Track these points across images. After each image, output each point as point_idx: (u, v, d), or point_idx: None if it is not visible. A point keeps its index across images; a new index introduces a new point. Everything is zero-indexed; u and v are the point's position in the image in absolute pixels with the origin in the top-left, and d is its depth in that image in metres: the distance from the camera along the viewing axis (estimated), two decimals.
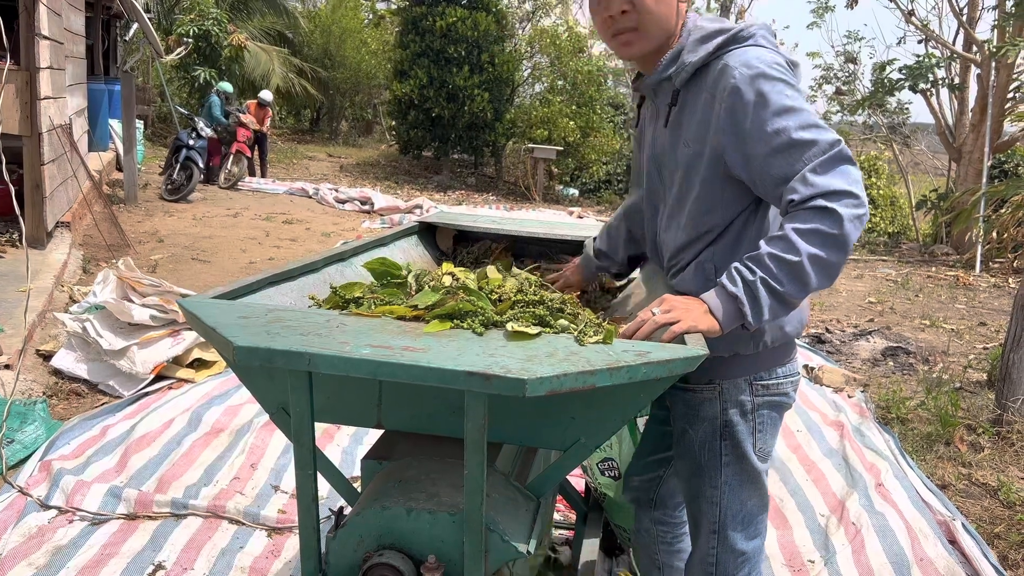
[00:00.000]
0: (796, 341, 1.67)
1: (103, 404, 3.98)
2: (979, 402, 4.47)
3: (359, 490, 1.62)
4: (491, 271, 1.62)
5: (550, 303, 1.46)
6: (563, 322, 1.43)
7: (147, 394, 4.09)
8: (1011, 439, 3.94)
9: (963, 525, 3.12)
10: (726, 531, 1.68)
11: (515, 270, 1.84)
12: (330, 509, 1.41)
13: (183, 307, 1.41)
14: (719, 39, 1.50)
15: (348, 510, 1.56)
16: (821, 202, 1.35)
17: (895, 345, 5.68)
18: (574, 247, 2.37)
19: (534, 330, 1.34)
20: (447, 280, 1.50)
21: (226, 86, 12.87)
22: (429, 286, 1.52)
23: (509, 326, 1.35)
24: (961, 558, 2.93)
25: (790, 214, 1.39)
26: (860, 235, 1.40)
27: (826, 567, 2.89)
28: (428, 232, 2.58)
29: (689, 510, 1.77)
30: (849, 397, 4.59)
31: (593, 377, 1.20)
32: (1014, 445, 3.90)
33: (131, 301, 4.36)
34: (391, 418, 1.45)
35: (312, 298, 1.60)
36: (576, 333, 1.36)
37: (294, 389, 1.23)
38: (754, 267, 1.39)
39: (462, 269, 1.62)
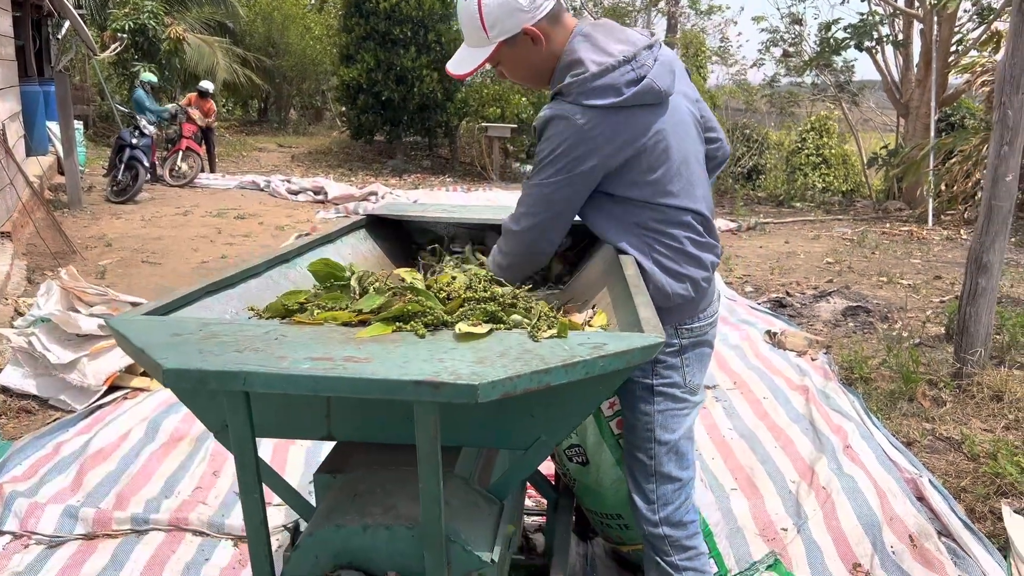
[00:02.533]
0: (711, 292, 1.94)
1: (55, 420, 3.85)
2: (939, 356, 4.53)
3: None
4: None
5: (501, 298, 1.40)
6: (516, 317, 1.38)
7: (101, 406, 3.96)
8: (971, 391, 3.99)
9: (930, 481, 3.15)
10: (661, 467, 1.89)
11: (465, 266, 1.77)
12: (284, 526, 1.34)
13: (111, 327, 1.32)
14: (555, 85, 1.78)
15: (304, 525, 1.50)
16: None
17: (855, 304, 5.73)
18: None
19: (484, 329, 1.28)
20: (393, 281, 1.43)
21: (149, 76, 12.26)
22: (374, 288, 1.45)
23: (458, 327, 1.29)
24: (930, 514, 2.96)
25: None
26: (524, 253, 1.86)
27: (799, 534, 2.90)
28: (377, 225, 2.50)
29: (628, 462, 1.97)
30: (812, 360, 4.62)
31: (548, 376, 1.14)
32: (975, 397, 3.95)
33: (78, 311, 4.21)
34: (341, 428, 1.38)
35: (252, 309, 1.52)
36: (529, 328, 1.31)
37: (231, 411, 1.15)
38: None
39: (409, 269, 1.55)
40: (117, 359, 4.11)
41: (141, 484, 3.25)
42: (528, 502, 2.98)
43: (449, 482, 1.28)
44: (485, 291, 1.42)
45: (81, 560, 2.77)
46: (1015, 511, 2.95)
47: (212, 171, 13.34)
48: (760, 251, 8.37)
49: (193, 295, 1.55)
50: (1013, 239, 8.18)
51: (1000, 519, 2.92)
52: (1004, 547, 2.77)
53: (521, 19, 1.75)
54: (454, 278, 1.54)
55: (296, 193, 11.53)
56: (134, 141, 10.32)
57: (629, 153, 1.74)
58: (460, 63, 1.84)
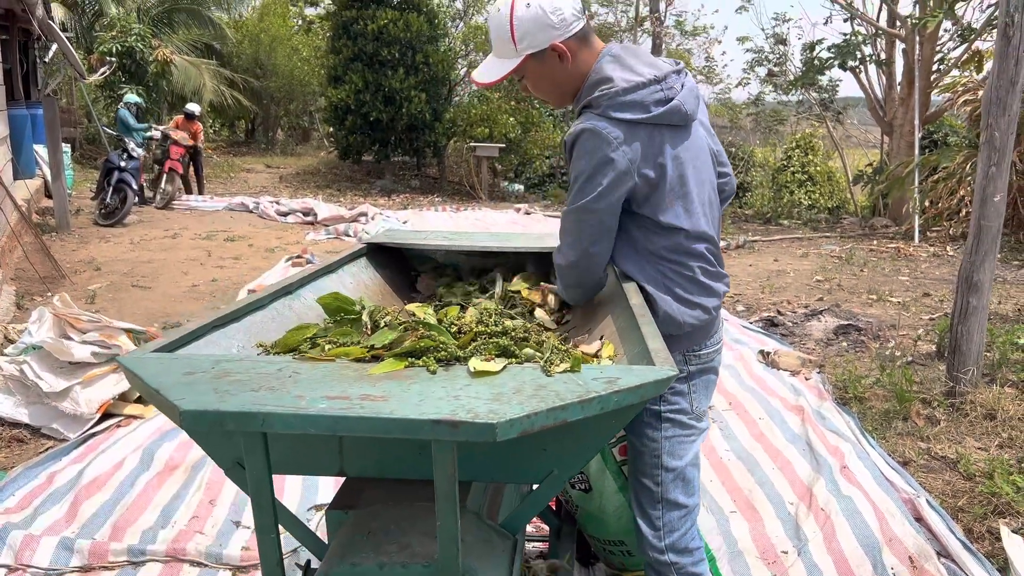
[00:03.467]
0: (718, 320, 1.98)
1: (48, 449, 3.81)
2: (931, 374, 4.56)
3: (320, 525, 1.55)
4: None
5: (513, 332, 1.41)
6: (528, 351, 1.38)
7: (94, 435, 3.92)
8: (965, 410, 4.02)
9: (927, 501, 3.16)
10: (668, 493, 1.90)
11: (475, 300, 1.78)
12: (296, 564, 1.33)
13: (123, 365, 1.32)
14: (584, 99, 1.82)
15: (315, 563, 1.49)
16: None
17: (846, 323, 5.77)
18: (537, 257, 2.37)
19: (498, 365, 1.28)
20: (404, 316, 1.43)
21: (133, 98, 12.16)
22: (385, 323, 1.45)
23: (472, 363, 1.30)
24: (929, 535, 2.97)
25: None
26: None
27: (800, 557, 2.90)
28: (377, 252, 2.51)
29: (634, 488, 1.97)
30: (806, 380, 4.65)
31: (565, 412, 1.15)
32: (968, 416, 3.98)
33: (70, 339, 4.18)
34: (354, 465, 1.38)
35: (260, 345, 1.52)
36: (543, 362, 1.31)
37: (248, 451, 1.15)
38: None
39: (420, 304, 1.56)
40: (110, 386, 4.08)
41: (137, 514, 3.22)
42: (529, 528, 2.97)
43: (463, 518, 1.28)
44: (496, 325, 1.43)
45: None
46: (1013, 531, 2.97)
47: (200, 193, 13.30)
48: (750, 269, 8.41)
49: (200, 330, 1.55)
50: (999, 256, 8.26)
51: (998, 538, 2.93)
52: (1003, 567, 2.78)
53: (551, 35, 1.79)
54: (464, 309, 1.54)
55: (285, 214, 11.51)
56: (122, 164, 10.29)
57: (652, 170, 1.76)
58: (487, 72, 1.88)
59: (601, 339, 1.64)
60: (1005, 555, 2.81)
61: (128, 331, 4.38)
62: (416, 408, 1.11)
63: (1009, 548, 2.83)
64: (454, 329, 1.43)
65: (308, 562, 1.36)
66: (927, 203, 10.69)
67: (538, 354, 1.37)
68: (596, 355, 1.51)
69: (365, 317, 1.47)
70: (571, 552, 2.52)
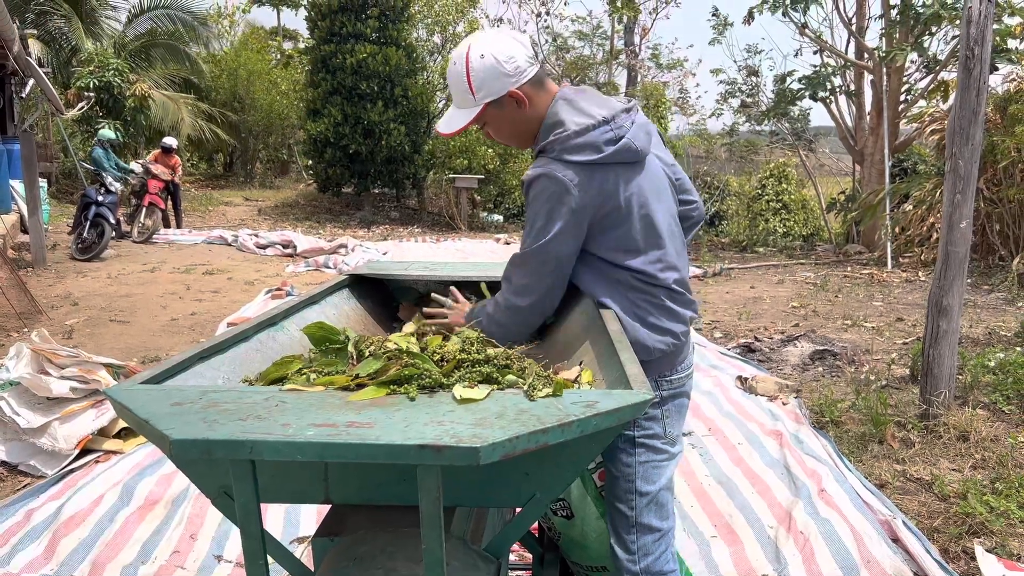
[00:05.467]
0: (688, 345, 2.00)
1: (25, 486, 3.76)
2: (905, 398, 4.64)
3: (304, 557, 1.57)
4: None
5: (496, 360, 1.45)
6: (511, 377, 1.42)
7: (73, 471, 3.88)
8: (938, 432, 4.09)
9: (904, 523, 3.21)
10: (642, 517, 1.92)
11: (457, 329, 1.81)
12: None
13: (111, 397, 1.34)
14: (540, 144, 1.88)
15: None
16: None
17: (822, 348, 5.86)
18: None
19: (482, 392, 1.32)
20: (389, 345, 1.47)
21: (107, 134, 12.09)
22: (370, 352, 1.49)
23: (456, 390, 1.33)
24: (905, 556, 3.02)
25: None
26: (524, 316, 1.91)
27: None
28: (359, 283, 2.54)
29: (609, 512, 1.99)
30: (784, 404, 4.71)
31: (546, 436, 1.19)
32: (942, 438, 4.05)
33: (48, 374, 4.16)
34: (339, 492, 1.40)
35: (246, 380, 1.55)
36: (526, 387, 1.35)
37: (237, 479, 1.18)
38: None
39: (402, 335, 1.59)
40: (89, 422, 4.05)
41: (116, 551, 3.19)
42: (512, 557, 2.98)
43: (447, 542, 1.31)
44: (479, 353, 1.47)
45: None
46: (987, 550, 3.02)
47: (179, 226, 13.28)
48: (727, 296, 8.52)
49: (186, 362, 1.57)
50: (969, 280, 8.44)
51: (973, 558, 2.99)
52: None
53: (506, 83, 1.86)
54: (446, 338, 1.58)
55: (264, 247, 11.51)
56: (100, 198, 10.27)
57: (608, 209, 1.82)
58: (449, 122, 1.95)
59: (580, 365, 1.68)
60: (980, 575, 2.86)
61: (107, 365, 4.36)
62: (402, 434, 1.14)
63: (984, 567, 2.88)
64: (437, 357, 1.47)
65: None
66: (898, 230, 10.90)
67: (520, 380, 1.41)
68: (576, 380, 1.55)
69: (351, 348, 1.51)
70: None
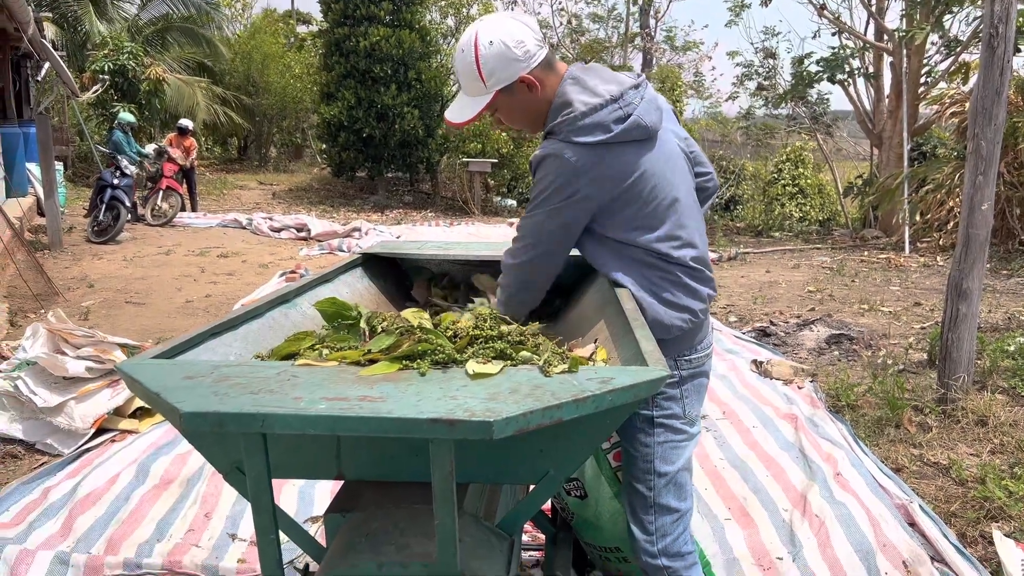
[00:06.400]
0: (707, 324, 1.99)
1: (42, 465, 3.80)
2: (923, 382, 4.59)
3: (317, 535, 1.56)
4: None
5: (509, 336, 1.43)
6: (525, 354, 1.40)
7: (89, 450, 3.91)
8: (956, 416, 4.05)
9: (920, 507, 3.18)
10: (660, 498, 1.92)
11: (470, 305, 1.80)
12: (295, 567, 1.35)
13: (122, 371, 1.33)
14: (549, 125, 1.85)
15: (313, 566, 1.50)
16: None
17: (838, 332, 5.81)
18: None
19: (495, 367, 1.30)
20: (402, 321, 1.45)
21: (127, 117, 11.93)
22: (383, 328, 1.47)
23: (469, 366, 1.32)
24: (922, 540, 2.99)
25: None
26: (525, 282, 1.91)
27: (795, 563, 2.91)
28: (372, 262, 2.53)
29: (627, 493, 1.98)
30: (799, 388, 4.67)
31: (560, 411, 1.17)
32: (960, 422, 4.01)
33: (64, 354, 4.18)
34: (352, 468, 1.39)
35: (257, 356, 1.54)
36: (540, 364, 1.33)
37: (248, 452, 1.17)
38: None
39: (415, 310, 1.58)
40: (105, 401, 4.08)
41: (132, 528, 3.21)
42: (525, 537, 2.98)
43: (460, 519, 1.30)
44: (492, 329, 1.45)
45: None
46: (1005, 535, 2.99)
47: (194, 210, 13.32)
48: (742, 280, 8.46)
49: (198, 337, 1.56)
50: (988, 265, 8.34)
51: (991, 543, 2.95)
52: (996, 571, 2.80)
53: (517, 68, 1.82)
54: (460, 315, 1.56)
55: (279, 230, 11.53)
56: (115, 181, 10.30)
57: (620, 189, 1.79)
58: (459, 112, 1.91)
59: (595, 343, 1.66)
60: (998, 559, 2.83)
61: (123, 346, 4.38)
62: (414, 408, 1.13)
63: (1002, 552, 2.85)
64: (450, 333, 1.45)
65: (307, 565, 1.37)
66: (917, 215, 10.78)
67: (535, 357, 1.39)
68: (591, 358, 1.53)
69: (363, 324, 1.49)
70: (567, 559, 2.53)
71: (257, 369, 1.32)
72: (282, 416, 1.10)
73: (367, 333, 1.48)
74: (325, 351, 1.44)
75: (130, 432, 4.07)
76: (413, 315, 1.48)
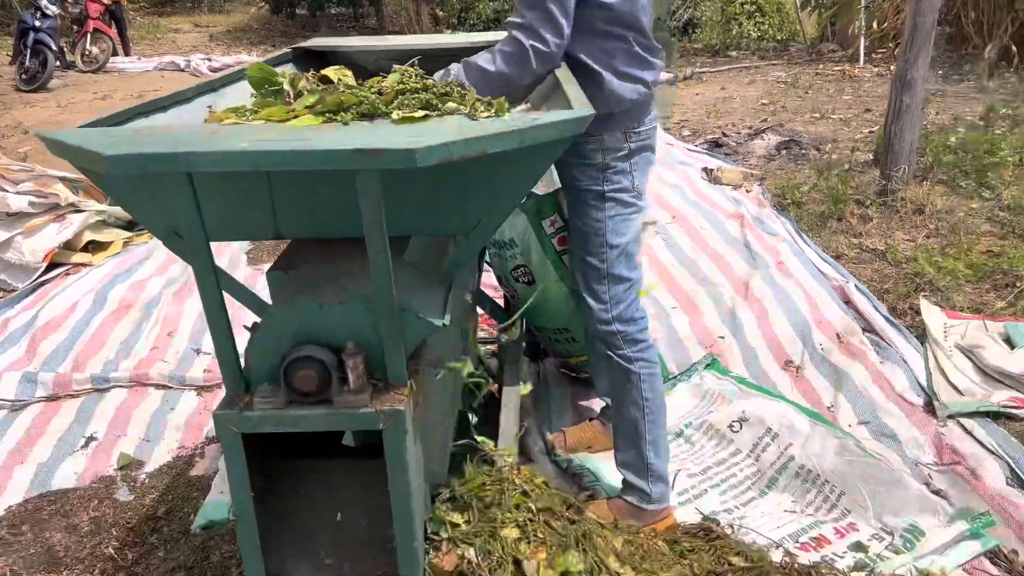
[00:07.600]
0: (652, 98, 1.99)
1: None
2: (866, 179, 4.70)
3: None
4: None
5: (434, 89, 1.42)
6: (451, 105, 1.40)
7: (44, 283, 3.92)
8: (896, 207, 4.18)
9: (856, 286, 3.35)
10: (613, 268, 2.00)
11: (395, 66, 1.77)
12: (244, 326, 1.40)
13: (43, 137, 1.31)
14: None
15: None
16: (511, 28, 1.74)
17: (787, 139, 5.86)
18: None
19: (420, 114, 1.31)
20: (325, 80, 1.43)
21: None
22: (307, 90, 1.46)
23: (394, 115, 1.32)
24: (856, 315, 3.17)
25: None
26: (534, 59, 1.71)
27: (735, 338, 3.09)
28: (305, 59, 2.45)
29: (580, 267, 2.06)
30: (747, 192, 4.76)
31: (483, 143, 1.19)
32: (899, 212, 4.15)
33: (4, 190, 4.09)
34: (289, 225, 1.42)
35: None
36: (467, 110, 1.34)
37: (177, 196, 1.17)
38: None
39: (337, 68, 1.55)
40: (53, 235, 4.04)
41: (96, 349, 3.28)
42: (481, 333, 3.09)
43: (399, 267, 1.34)
44: (417, 83, 1.44)
45: (47, 419, 2.82)
46: (932, 304, 3.18)
47: (127, 54, 12.61)
48: (696, 98, 8.38)
49: (125, 114, 1.54)
50: (940, 71, 8.33)
51: (919, 313, 3.14)
52: (921, 336, 3.00)
53: None
54: (384, 77, 1.55)
55: (219, 71, 11.03)
56: (37, 23, 9.63)
57: None
58: None
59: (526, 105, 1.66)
60: (924, 326, 3.02)
61: (63, 179, 4.28)
62: (339, 142, 1.14)
63: (927, 317, 3.04)
64: (375, 91, 1.44)
65: (255, 323, 1.43)
66: (874, 24, 10.60)
67: (461, 106, 1.39)
68: None
69: (287, 86, 1.47)
70: (519, 347, 2.65)
71: (181, 128, 1.31)
72: (206, 152, 1.11)
73: (291, 95, 1.46)
74: (249, 114, 1.43)
75: (83, 265, 4.07)
76: (334, 72, 1.46)
